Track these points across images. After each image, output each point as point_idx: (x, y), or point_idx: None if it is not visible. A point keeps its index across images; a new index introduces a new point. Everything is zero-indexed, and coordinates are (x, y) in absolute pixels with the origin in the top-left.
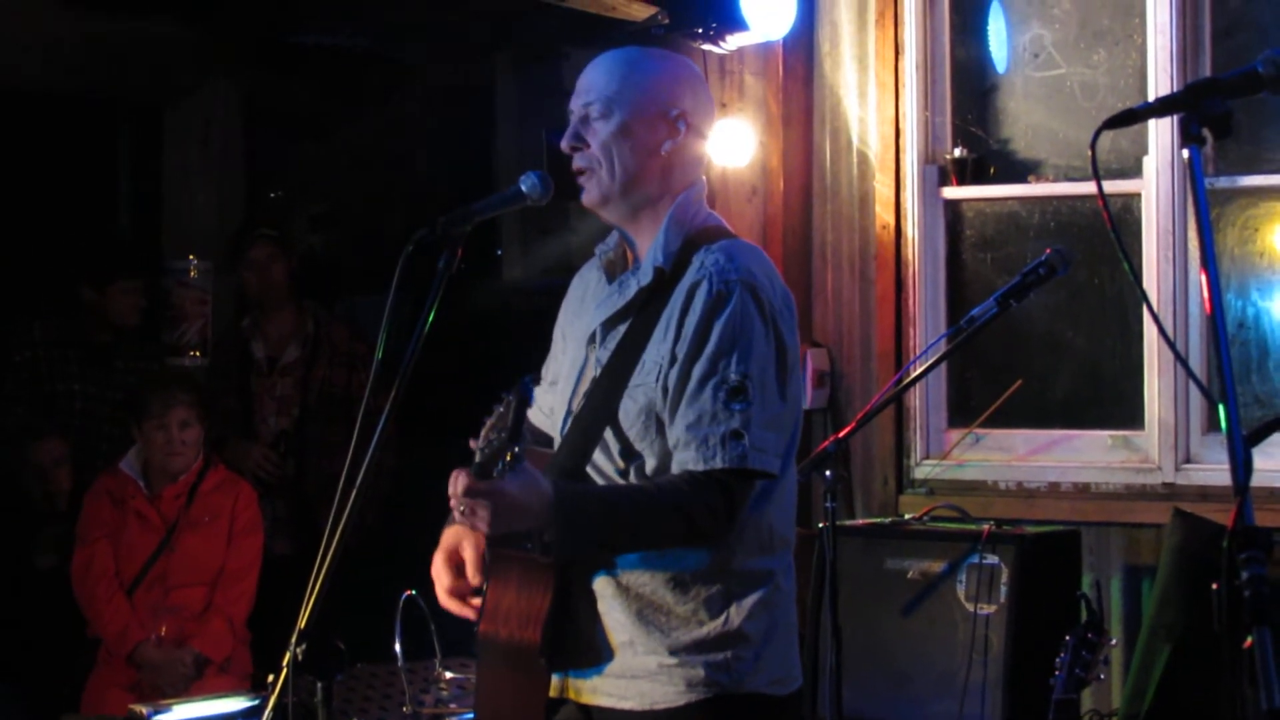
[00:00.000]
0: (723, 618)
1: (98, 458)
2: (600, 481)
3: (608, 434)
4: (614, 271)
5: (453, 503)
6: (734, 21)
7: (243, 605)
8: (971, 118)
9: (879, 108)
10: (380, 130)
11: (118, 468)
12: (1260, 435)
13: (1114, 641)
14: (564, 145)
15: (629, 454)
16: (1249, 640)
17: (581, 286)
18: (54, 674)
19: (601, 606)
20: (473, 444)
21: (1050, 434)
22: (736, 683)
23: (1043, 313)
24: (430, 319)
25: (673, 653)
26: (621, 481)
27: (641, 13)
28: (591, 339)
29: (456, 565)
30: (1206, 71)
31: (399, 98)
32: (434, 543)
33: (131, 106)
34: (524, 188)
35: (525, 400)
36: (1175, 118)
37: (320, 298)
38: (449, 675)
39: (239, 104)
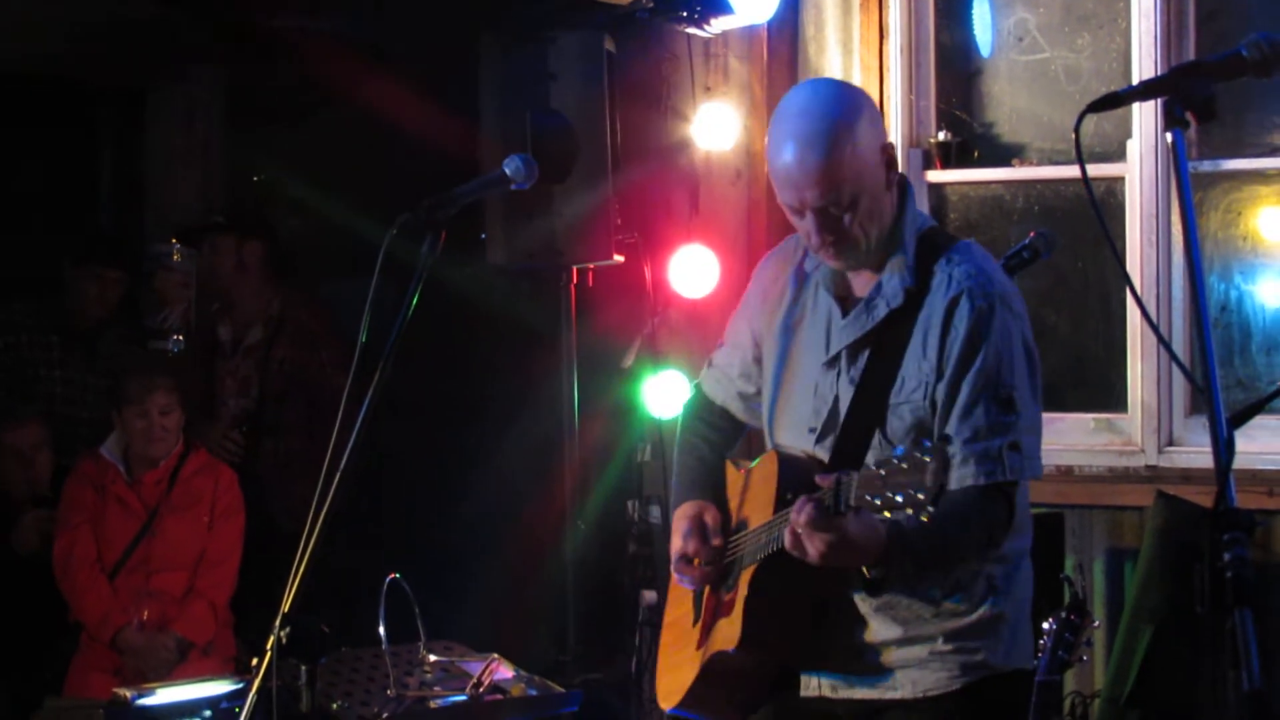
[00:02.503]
0: (988, 603)
1: (78, 443)
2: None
3: (875, 452)
4: (838, 289)
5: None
6: (718, 5)
7: (225, 589)
8: (956, 101)
9: (864, 91)
10: (363, 114)
11: (98, 453)
12: (1242, 418)
13: (1096, 623)
14: (817, 250)
15: None
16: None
17: (770, 281)
18: (37, 658)
19: (865, 611)
20: (822, 480)
21: None
22: (1003, 661)
23: (1026, 296)
24: (414, 302)
25: (944, 640)
26: None
27: None
28: (835, 359)
29: (700, 531)
30: (1191, 55)
31: (382, 81)
32: (416, 525)
33: (114, 91)
34: (508, 171)
35: (947, 464)
36: (1159, 101)
37: (301, 281)
38: (433, 658)
39: (222, 88)
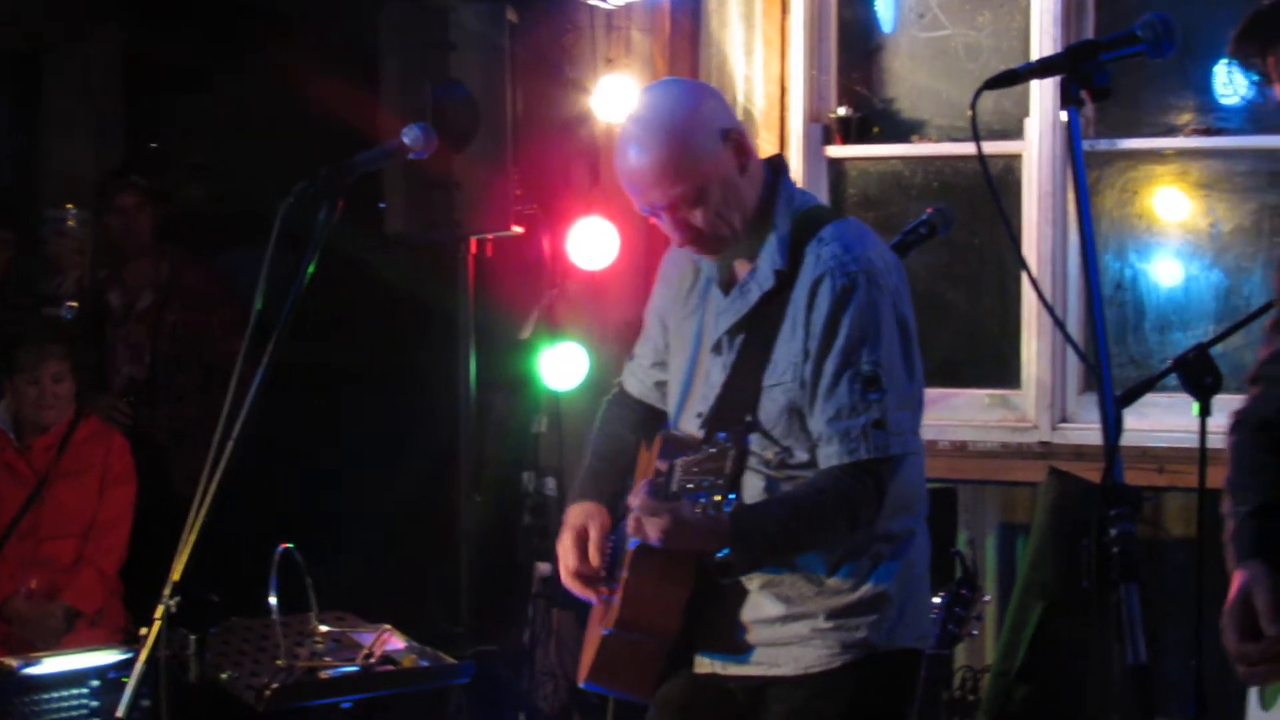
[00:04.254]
0: (871, 581)
1: None
2: (754, 474)
3: (753, 433)
4: (724, 276)
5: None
6: None
7: (114, 557)
8: (857, 77)
9: (765, 66)
10: (263, 82)
11: None
12: (1132, 396)
13: (988, 598)
14: (682, 247)
15: (777, 446)
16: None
17: (680, 272)
18: None
19: (751, 589)
20: (660, 465)
21: (929, 392)
22: (887, 640)
23: (923, 272)
24: (310, 271)
25: (826, 618)
26: (773, 473)
27: None
28: (718, 345)
29: (582, 546)
30: (1090, 34)
31: (283, 49)
32: (309, 495)
33: (7, 52)
34: (406, 140)
35: (745, 452)
36: (1056, 80)
37: (197, 247)
38: (324, 629)
39: (119, 53)
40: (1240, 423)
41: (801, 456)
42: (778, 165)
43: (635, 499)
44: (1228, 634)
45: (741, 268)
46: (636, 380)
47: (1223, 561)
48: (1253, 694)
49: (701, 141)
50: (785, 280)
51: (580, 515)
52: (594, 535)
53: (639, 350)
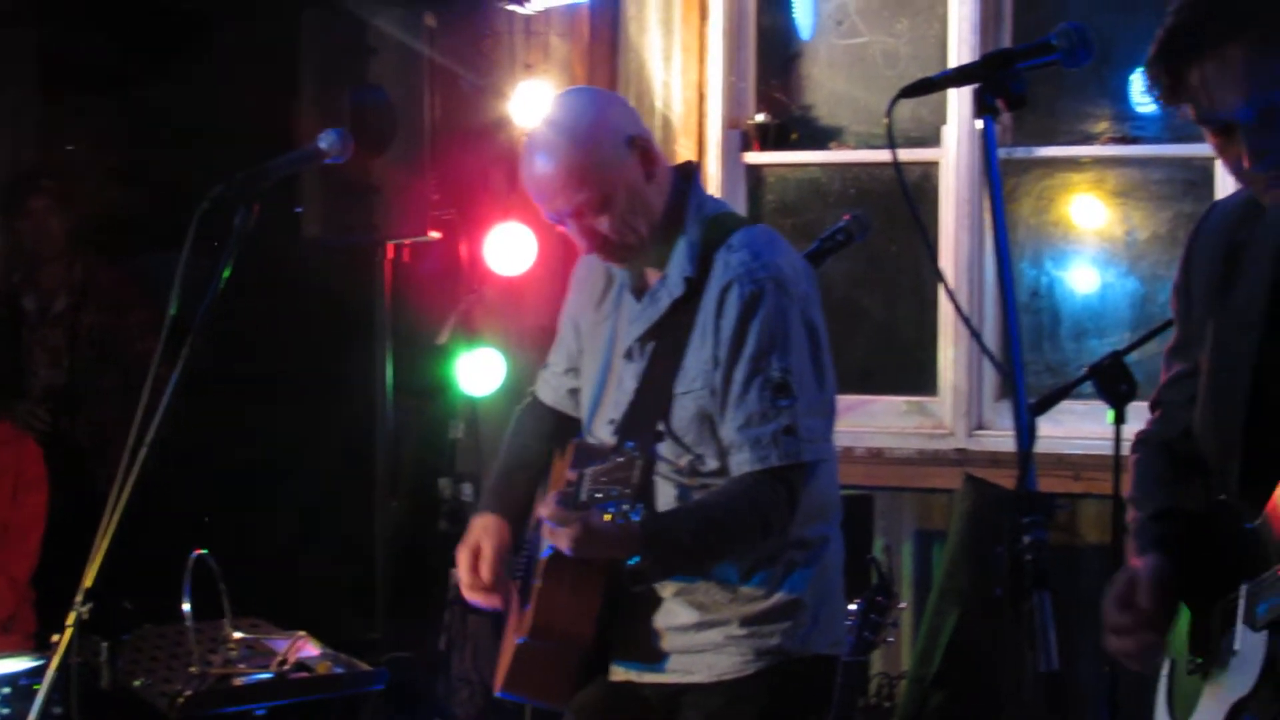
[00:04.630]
0: (785, 588)
1: None
2: (666, 482)
3: (664, 441)
4: (636, 282)
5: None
6: None
7: (26, 563)
8: (775, 84)
9: (683, 72)
10: (181, 85)
11: None
12: (1047, 404)
13: (903, 605)
14: (589, 254)
15: (689, 454)
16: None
17: (593, 281)
18: None
19: (665, 597)
20: (570, 474)
21: (845, 399)
22: (801, 647)
23: (840, 279)
24: (225, 276)
25: (740, 625)
26: (685, 480)
27: None
28: (629, 353)
29: (475, 558)
30: (1007, 43)
31: (201, 53)
32: (224, 500)
33: None
34: (323, 145)
35: (651, 462)
36: (973, 89)
37: (113, 251)
38: (238, 635)
39: (33, 54)
40: (1142, 443)
41: (713, 464)
42: (688, 172)
43: (545, 509)
44: (1106, 606)
45: (652, 275)
46: (549, 388)
47: None
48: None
49: (606, 149)
50: (695, 287)
51: (478, 530)
52: (487, 551)
53: (552, 358)
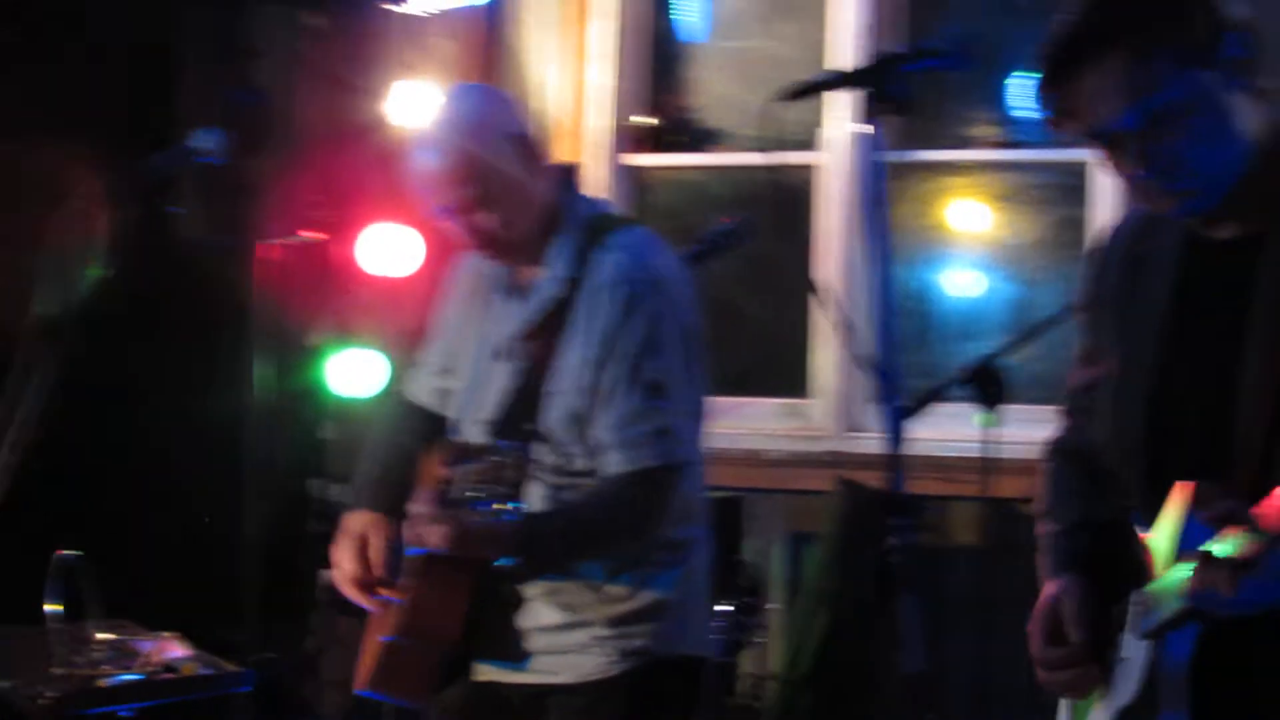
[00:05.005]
0: (652, 589)
1: None
2: (538, 482)
3: (535, 440)
4: (511, 281)
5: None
6: None
7: None
8: (657, 86)
9: (564, 73)
10: (57, 85)
11: None
12: (920, 405)
13: (773, 606)
14: (470, 249)
15: (561, 454)
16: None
17: (465, 277)
18: None
19: (530, 597)
20: (443, 473)
21: (719, 401)
22: (668, 648)
23: (718, 280)
24: (98, 274)
25: (605, 626)
26: (555, 480)
27: None
28: (502, 352)
29: (362, 553)
30: (890, 47)
31: (75, 49)
32: (91, 501)
33: None
34: (200, 145)
35: (527, 461)
36: (856, 92)
37: None
38: (104, 636)
39: None
40: (1054, 451)
41: (585, 464)
42: (570, 172)
43: (418, 507)
44: (1033, 640)
45: (530, 274)
46: (421, 386)
47: (1007, 570)
48: (1063, 712)
49: (491, 145)
50: (572, 287)
51: (360, 523)
52: (375, 542)
53: (426, 356)
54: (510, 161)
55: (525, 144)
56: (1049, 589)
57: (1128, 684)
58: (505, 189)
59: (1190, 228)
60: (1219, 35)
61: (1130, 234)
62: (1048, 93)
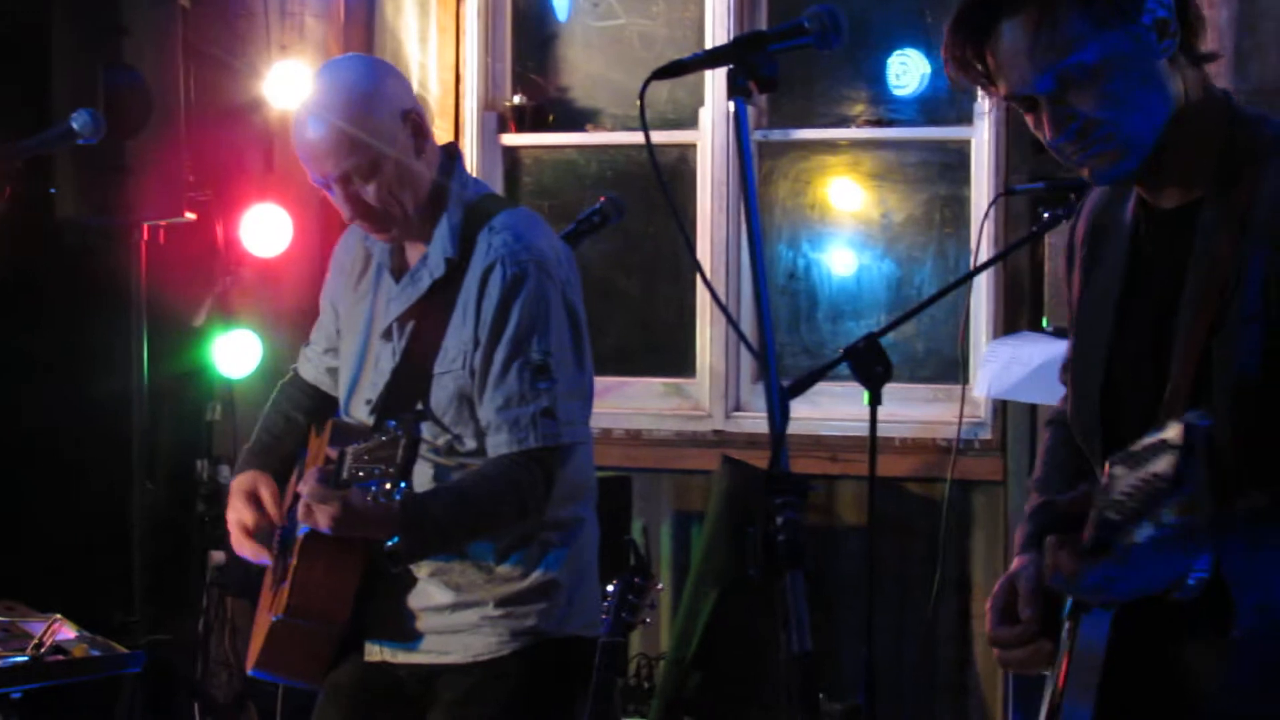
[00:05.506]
0: (541, 569)
1: None
2: (423, 461)
3: (423, 421)
4: (395, 262)
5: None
6: None
7: None
8: (532, 65)
9: (439, 53)
10: None
11: None
12: (802, 385)
13: (661, 586)
14: (352, 221)
15: (447, 433)
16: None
17: (348, 257)
18: None
19: (420, 577)
20: (330, 452)
21: (603, 380)
22: (557, 628)
23: (598, 260)
24: None
25: (495, 606)
26: (442, 460)
27: None
28: (388, 332)
29: (256, 505)
30: (762, 25)
31: None
32: None
33: None
34: (75, 125)
35: (416, 441)
36: (725, 71)
37: None
38: None
39: None
40: (1050, 423)
41: (471, 444)
42: (452, 153)
43: (305, 486)
44: (988, 618)
45: (414, 254)
46: (310, 365)
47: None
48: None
49: (379, 117)
50: (456, 268)
51: (249, 480)
52: (266, 495)
53: (313, 336)
54: (398, 136)
55: (414, 121)
56: (1014, 565)
57: (1058, 661)
58: (391, 163)
59: (1141, 197)
60: None
61: (1094, 207)
62: (962, 61)
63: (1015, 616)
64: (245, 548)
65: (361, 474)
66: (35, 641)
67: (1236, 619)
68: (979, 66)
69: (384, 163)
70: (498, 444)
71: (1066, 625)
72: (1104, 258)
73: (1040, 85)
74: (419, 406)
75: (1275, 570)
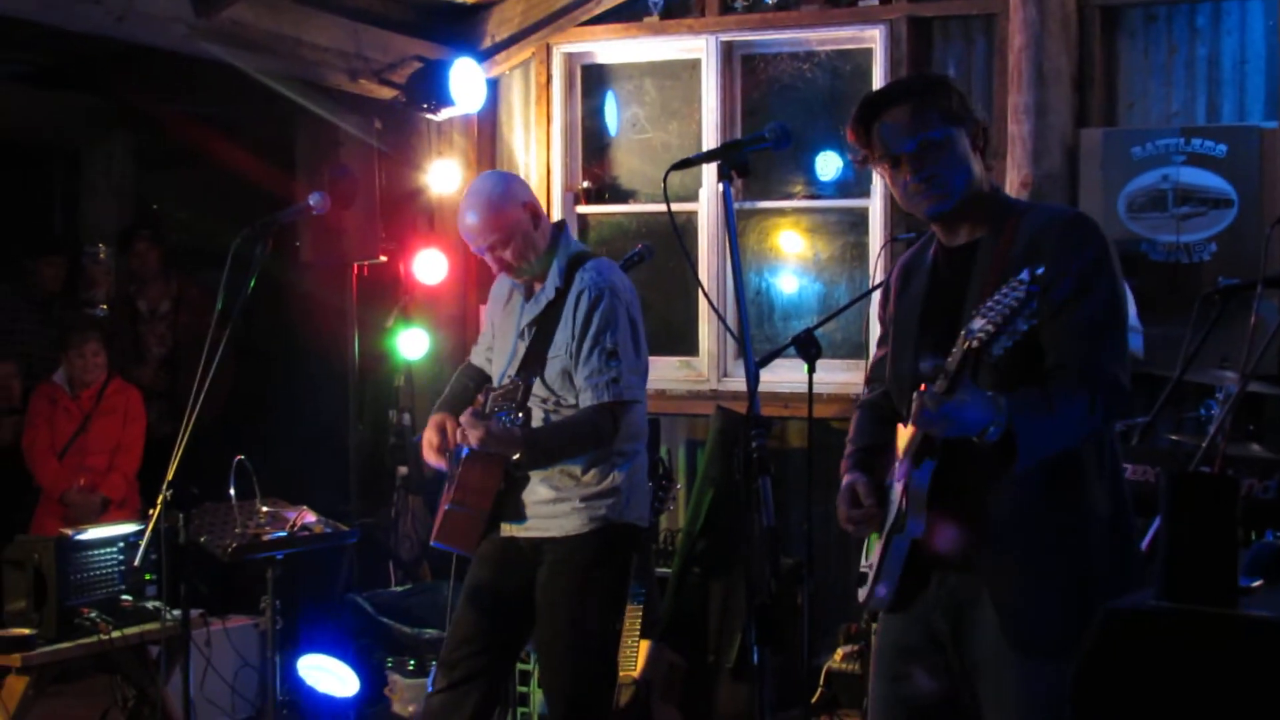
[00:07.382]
0: (610, 478)
1: (40, 372)
2: (538, 410)
3: (539, 385)
4: (527, 291)
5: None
6: (445, 100)
7: (133, 465)
8: (594, 162)
9: (537, 155)
10: (219, 165)
11: (51, 379)
12: (766, 361)
13: (679, 486)
14: (499, 273)
15: (554, 395)
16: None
17: (502, 292)
18: (10, 511)
19: (535, 480)
20: (479, 398)
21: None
22: (619, 516)
23: (637, 283)
24: (252, 284)
25: (580, 500)
26: (549, 410)
27: (387, 94)
28: (521, 334)
29: (441, 432)
30: (739, 135)
31: (232, 143)
32: (257, 431)
33: (62, 148)
34: (311, 202)
35: (529, 387)
36: (716, 164)
37: (190, 269)
38: (265, 509)
39: (129, 147)
40: (860, 405)
41: (569, 400)
42: (561, 226)
43: (464, 418)
44: (840, 507)
45: (537, 285)
46: (477, 357)
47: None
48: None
49: (509, 208)
50: (562, 294)
51: (439, 418)
52: (450, 426)
53: (480, 339)
54: (522, 219)
55: (531, 208)
56: (847, 479)
57: (891, 512)
58: (519, 236)
59: (939, 241)
60: (966, 110)
61: (903, 262)
62: (858, 133)
63: (859, 503)
64: (432, 458)
65: (496, 409)
66: (291, 523)
67: (1018, 459)
68: (866, 138)
69: (514, 237)
70: (585, 399)
71: (896, 487)
72: (912, 286)
73: (909, 147)
74: (537, 376)
75: (1039, 428)
